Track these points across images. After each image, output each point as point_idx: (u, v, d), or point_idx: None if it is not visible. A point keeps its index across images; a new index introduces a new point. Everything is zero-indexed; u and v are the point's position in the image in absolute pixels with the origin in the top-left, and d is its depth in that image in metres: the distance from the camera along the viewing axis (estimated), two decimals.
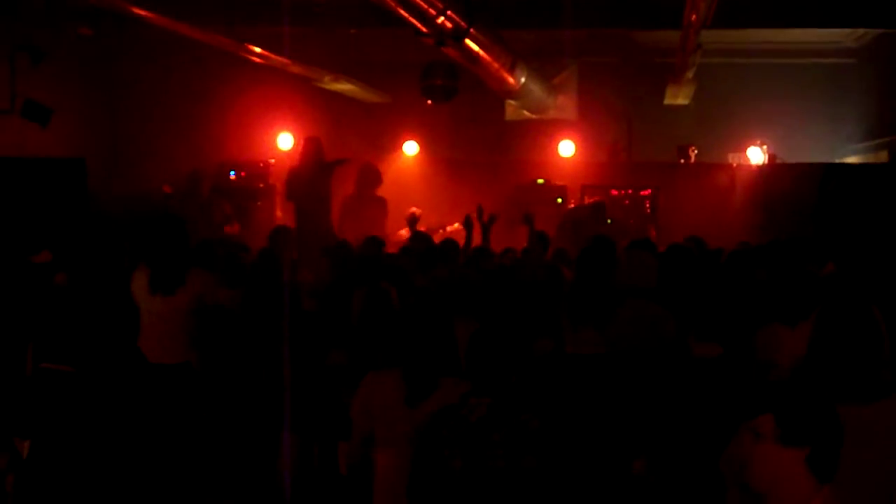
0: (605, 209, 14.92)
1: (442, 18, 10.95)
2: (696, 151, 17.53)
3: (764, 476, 3.28)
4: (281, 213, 15.71)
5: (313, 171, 13.07)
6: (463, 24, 11.45)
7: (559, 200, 16.11)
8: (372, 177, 14.30)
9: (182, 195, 14.83)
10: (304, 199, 13.03)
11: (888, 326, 4.32)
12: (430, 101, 14.06)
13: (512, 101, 18.19)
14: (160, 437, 4.47)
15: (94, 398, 4.29)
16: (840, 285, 7.69)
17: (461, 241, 10.77)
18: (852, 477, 3.86)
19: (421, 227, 12.36)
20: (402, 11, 10.50)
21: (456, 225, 15.01)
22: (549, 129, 18.44)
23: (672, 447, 4.73)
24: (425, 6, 10.46)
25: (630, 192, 16.02)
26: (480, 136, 18.44)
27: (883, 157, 17.31)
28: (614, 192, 15.93)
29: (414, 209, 13.65)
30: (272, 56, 15.48)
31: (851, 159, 18.59)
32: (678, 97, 18.18)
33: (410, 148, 17.87)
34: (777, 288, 6.99)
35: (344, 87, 18.00)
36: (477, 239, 10.89)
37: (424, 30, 11.36)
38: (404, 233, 13.42)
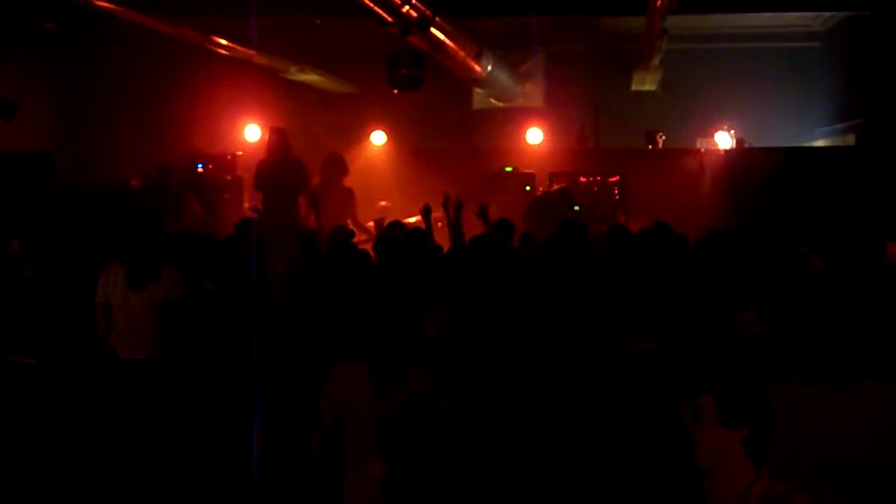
0: (572, 194, 14.93)
1: (407, 7, 10.94)
2: (663, 137, 17.56)
3: (704, 454, 3.35)
4: (249, 205, 15.67)
5: (279, 162, 13.06)
6: (428, 12, 11.43)
7: (527, 188, 16.11)
8: (338, 166, 14.24)
9: (151, 189, 14.75)
10: (271, 190, 13.03)
11: (858, 309, 4.34)
12: (396, 91, 14.02)
13: (479, 90, 18.21)
14: (128, 431, 4.45)
15: (59, 391, 4.27)
16: (812, 268, 7.73)
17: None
18: (822, 458, 3.90)
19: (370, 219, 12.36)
20: (367, 1, 10.48)
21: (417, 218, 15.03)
22: (516, 116, 18.46)
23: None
24: None
25: (598, 178, 16.02)
26: (448, 125, 18.45)
27: (850, 140, 17.39)
28: (582, 179, 15.93)
29: (383, 203, 13.62)
30: (238, 48, 15.44)
31: (819, 143, 18.68)
32: (645, 83, 18.23)
33: (378, 138, 17.87)
34: (748, 273, 7.02)
35: (310, 77, 17.97)
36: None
37: (390, 19, 11.34)
38: (372, 224, 13.39)
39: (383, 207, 15.45)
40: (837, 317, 4.23)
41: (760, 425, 3.38)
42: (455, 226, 10.65)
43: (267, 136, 13.55)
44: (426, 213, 10.85)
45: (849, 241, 8.68)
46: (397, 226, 10.77)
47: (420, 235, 9.95)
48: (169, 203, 14.07)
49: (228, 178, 16.47)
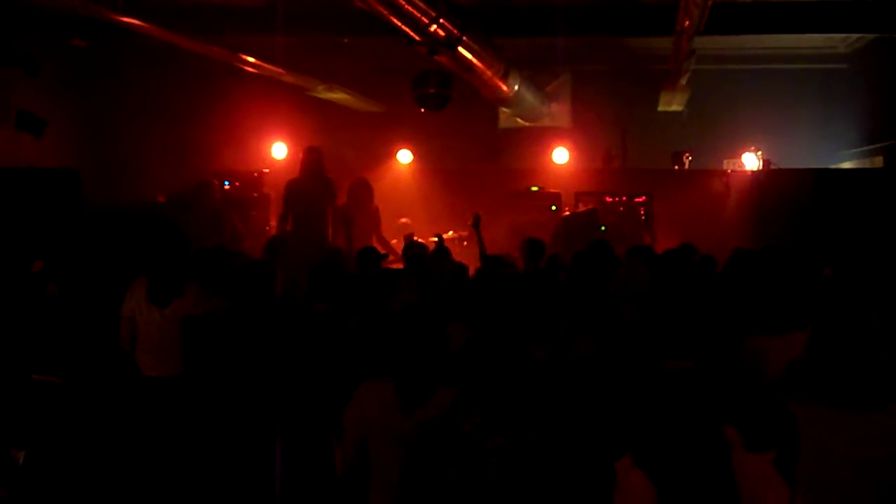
0: (598, 216, 14.94)
1: (435, 27, 10.96)
2: (690, 158, 17.55)
3: (740, 483, 3.34)
4: (276, 223, 15.73)
5: (311, 180, 13.10)
6: (455, 32, 11.45)
7: (553, 208, 16.12)
8: (366, 189, 14.29)
9: (189, 203, 14.80)
10: (301, 208, 13.06)
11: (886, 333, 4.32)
12: (423, 110, 14.04)
13: (505, 109, 18.21)
14: (153, 449, 4.45)
15: (84, 410, 4.28)
16: (839, 291, 7.68)
17: (454, 250, 10.79)
18: (848, 483, 3.88)
19: (394, 238, 12.38)
20: (395, 20, 10.50)
21: (450, 233, 15.03)
22: (542, 136, 18.48)
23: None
24: (418, 15, 10.46)
25: (624, 198, 16.01)
26: (474, 144, 18.46)
27: (878, 162, 17.30)
28: (608, 199, 15.93)
29: (404, 220, 13.66)
30: (265, 65, 15.48)
31: (846, 164, 18.61)
32: (672, 104, 18.20)
33: (404, 156, 17.91)
34: (773, 294, 6.97)
35: (337, 96, 18.02)
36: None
37: (417, 38, 11.36)
38: (397, 241, 13.43)
39: (404, 224, 15.48)
40: (866, 339, 4.20)
41: (787, 445, 3.36)
42: (480, 242, 10.69)
43: (302, 155, 13.58)
44: (476, 223, 10.89)
45: (876, 264, 8.64)
46: (414, 245, 10.78)
47: (444, 253, 9.97)
48: (211, 216, 14.14)
49: (255, 195, 16.51)
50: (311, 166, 13.22)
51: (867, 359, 4.17)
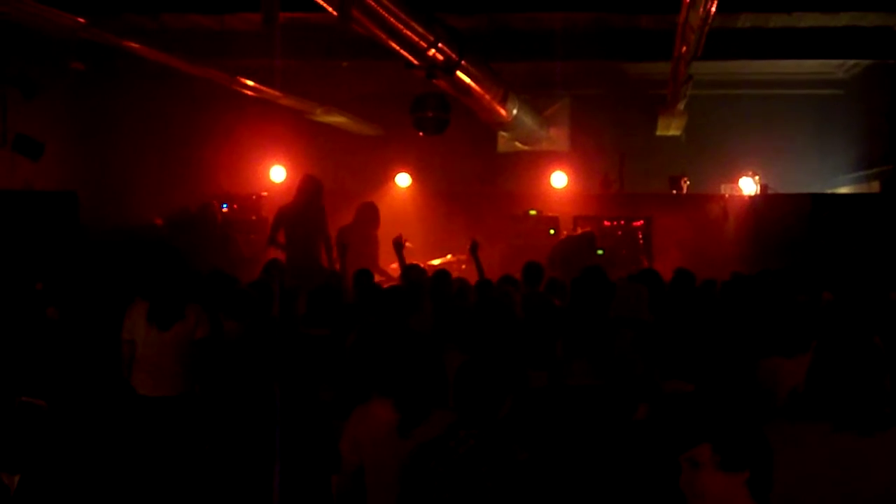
0: (595, 239, 14.96)
1: (433, 51, 10.97)
2: (688, 182, 17.56)
3: (709, 501, 3.36)
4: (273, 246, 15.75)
5: (305, 207, 13.14)
6: (454, 56, 11.48)
7: (551, 231, 16.14)
8: (372, 217, 14.33)
9: (191, 225, 14.80)
10: (295, 235, 13.10)
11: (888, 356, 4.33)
12: (421, 133, 14.05)
13: (504, 133, 18.24)
14: (149, 470, 4.44)
15: (77, 433, 4.27)
16: (840, 314, 7.70)
17: (453, 273, 10.78)
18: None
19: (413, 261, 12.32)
20: (394, 44, 10.52)
21: (449, 257, 15.04)
22: (541, 160, 18.51)
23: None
24: (416, 39, 10.48)
25: (622, 222, 16.04)
26: (472, 168, 18.50)
27: (875, 187, 17.34)
28: (606, 223, 15.95)
29: (408, 244, 13.65)
30: (264, 89, 15.52)
31: (843, 189, 18.64)
32: (670, 128, 18.24)
33: (403, 180, 17.92)
34: (774, 319, 6.99)
35: (336, 119, 18.05)
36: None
37: (416, 62, 11.38)
38: (396, 266, 13.41)
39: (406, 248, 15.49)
40: (868, 363, 4.21)
41: (760, 466, 3.39)
42: (478, 267, 10.70)
43: (299, 181, 13.62)
44: (474, 249, 10.89)
45: (875, 288, 8.65)
46: (414, 268, 10.77)
47: (446, 277, 9.97)
48: (214, 240, 14.15)
49: (253, 217, 16.52)
50: (307, 195, 13.26)
51: (869, 382, 4.17)
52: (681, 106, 16.25)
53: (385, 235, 14.60)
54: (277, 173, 17.90)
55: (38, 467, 4.32)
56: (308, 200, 13.26)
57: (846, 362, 4.21)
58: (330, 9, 9.01)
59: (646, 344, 6.16)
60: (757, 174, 17.42)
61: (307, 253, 12.91)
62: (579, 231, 15.57)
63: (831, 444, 4.04)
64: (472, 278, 10.66)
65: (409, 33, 10.27)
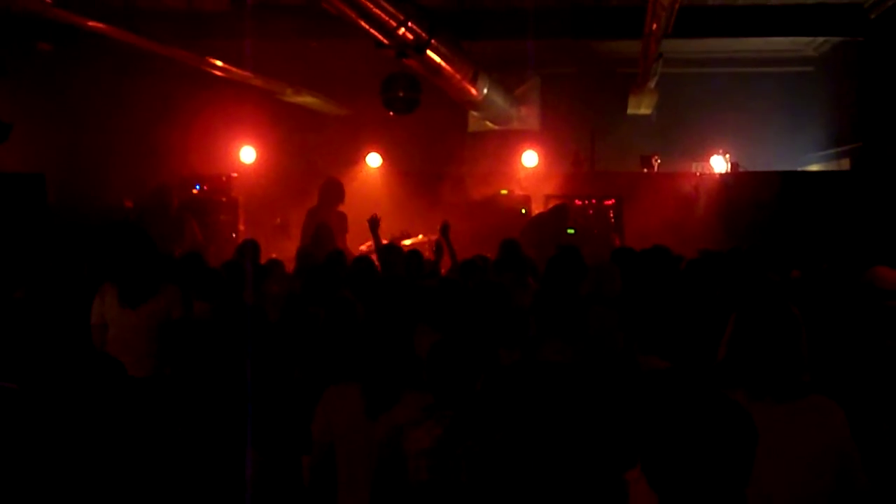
0: (568, 210, 14.96)
1: (403, 30, 10.94)
2: (658, 161, 17.57)
3: None
4: (244, 227, 15.67)
5: (327, 213, 13.27)
6: (424, 35, 11.44)
7: (523, 211, 16.11)
8: (336, 192, 14.26)
9: (148, 209, 14.66)
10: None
11: (835, 331, 4.37)
12: (392, 113, 14.00)
13: (474, 113, 18.22)
14: (119, 452, 4.40)
15: (45, 414, 4.23)
16: (759, 287, 7.71)
17: (424, 253, 10.75)
18: (764, 472, 3.90)
19: (384, 238, 12.26)
20: (363, 23, 10.48)
21: (420, 237, 15.00)
22: (511, 140, 18.46)
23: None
24: (386, 18, 10.45)
25: (594, 201, 16.01)
26: (443, 148, 18.43)
27: (845, 164, 17.41)
28: (578, 202, 15.92)
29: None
30: (233, 69, 15.44)
31: (813, 167, 18.71)
32: (641, 107, 18.25)
33: (373, 160, 17.85)
34: (740, 295, 7.00)
35: (305, 99, 17.99)
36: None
37: (385, 41, 11.35)
38: (364, 248, 13.36)
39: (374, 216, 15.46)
40: (785, 331, 4.29)
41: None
42: (450, 249, 10.66)
43: (322, 184, 14.05)
44: (444, 231, 10.84)
45: (842, 264, 8.67)
46: (392, 249, 10.73)
47: (418, 257, 9.94)
48: (170, 223, 14.01)
49: (224, 199, 16.41)
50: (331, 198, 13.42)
51: (786, 350, 4.26)
52: (651, 84, 16.26)
53: (357, 216, 14.56)
54: (247, 154, 17.79)
55: (11, 450, 4.28)
56: (329, 205, 13.54)
57: (764, 331, 4.29)
58: None
59: (623, 321, 6.16)
60: (727, 152, 17.43)
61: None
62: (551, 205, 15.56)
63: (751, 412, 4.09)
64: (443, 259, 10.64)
65: (378, 12, 10.24)
